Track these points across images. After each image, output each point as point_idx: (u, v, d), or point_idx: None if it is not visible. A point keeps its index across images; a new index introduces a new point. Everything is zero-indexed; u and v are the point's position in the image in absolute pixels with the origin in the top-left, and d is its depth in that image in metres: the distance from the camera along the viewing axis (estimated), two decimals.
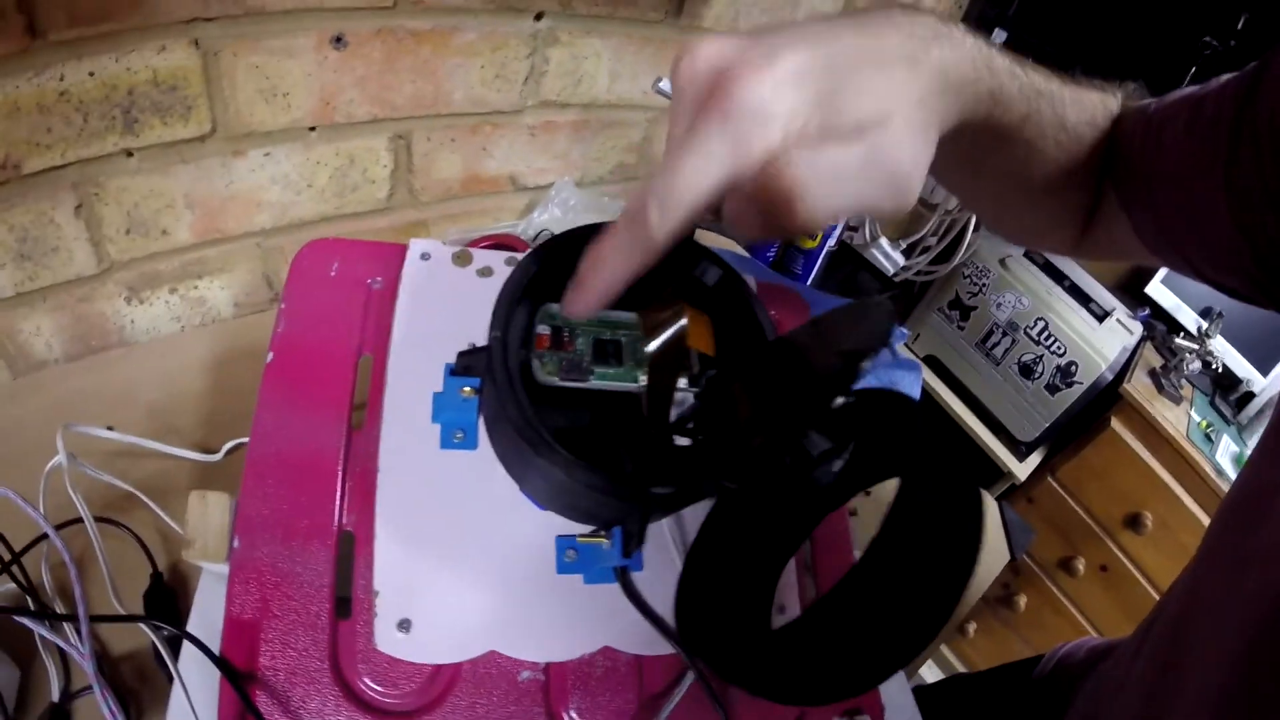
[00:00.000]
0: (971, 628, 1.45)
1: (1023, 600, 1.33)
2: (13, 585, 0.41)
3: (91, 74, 0.47)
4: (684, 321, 0.31)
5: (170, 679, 0.35)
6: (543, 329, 0.35)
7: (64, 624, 0.40)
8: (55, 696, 0.39)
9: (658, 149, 0.91)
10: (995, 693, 0.57)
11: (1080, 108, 0.37)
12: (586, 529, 0.37)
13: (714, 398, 0.32)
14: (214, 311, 0.66)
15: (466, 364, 0.36)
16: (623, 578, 0.36)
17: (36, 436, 0.44)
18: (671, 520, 0.39)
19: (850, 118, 0.23)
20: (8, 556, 0.40)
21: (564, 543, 0.37)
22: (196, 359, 0.60)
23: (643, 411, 0.33)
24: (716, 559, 0.25)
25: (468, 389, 0.37)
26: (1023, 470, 1.23)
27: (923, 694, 0.50)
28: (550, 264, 0.34)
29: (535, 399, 0.34)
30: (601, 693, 0.37)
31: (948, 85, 0.27)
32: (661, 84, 0.73)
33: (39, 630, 0.33)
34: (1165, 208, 0.38)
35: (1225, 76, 0.36)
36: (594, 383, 0.34)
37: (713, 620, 0.25)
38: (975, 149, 0.34)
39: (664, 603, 0.39)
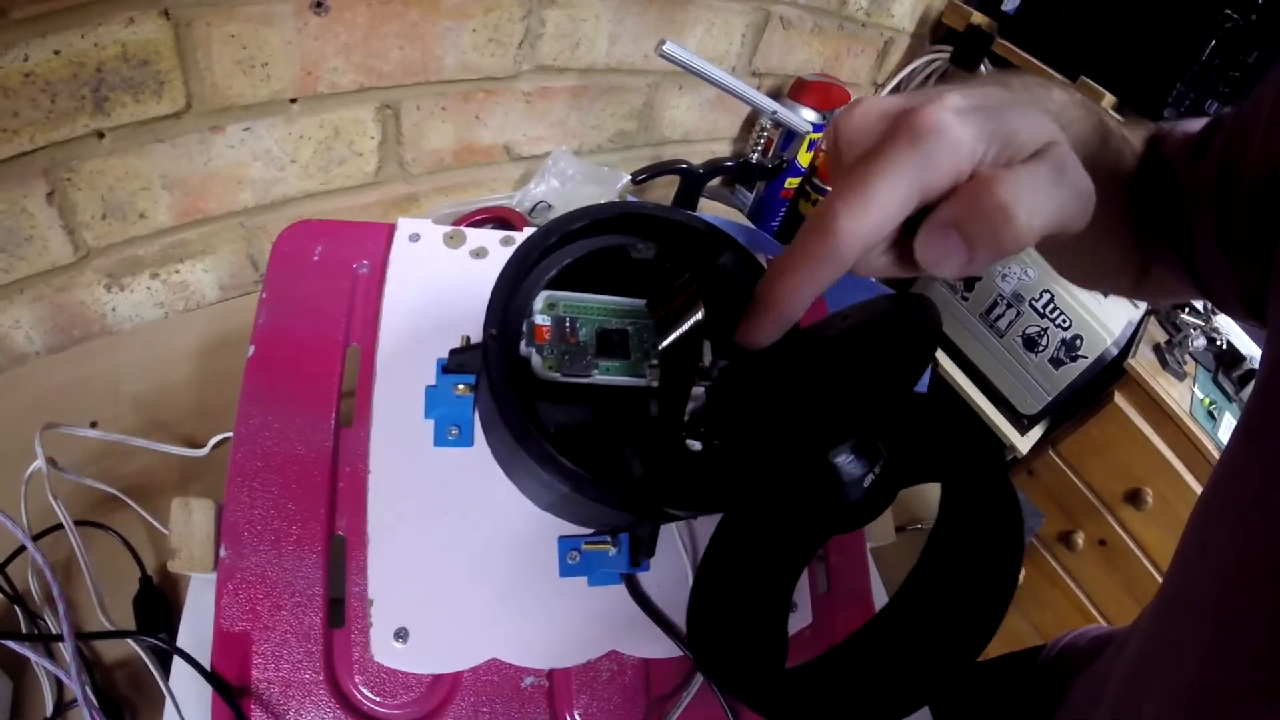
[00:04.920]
0: None
1: (1020, 574, 1.34)
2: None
3: (57, 52, 0.44)
4: (700, 312, 0.29)
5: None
6: (543, 320, 0.32)
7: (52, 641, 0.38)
8: (49, 710, 0.38)
9: (660, 115, 0.87)
10: (999, 682, 0.56)
11: (1138, 138, 0.41)
12: (589, 531, 0.35)
13: (729, 395, 0.30)
14: (198, 296, 0.63)
15: (460, 362, 0.34)
16: (630, 582, 0.35)
17: (18, 436, 0.41)
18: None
19: (1023, 146, 0.24)
20: None
21: (567, 544, 0.35)
22: (182, 346, 0.58)
23: (650, 410, 0.31)
24: (729, 572, 0.24)
25: (462, 386, 0.35)
26: (1024, 444, 1.22)
27: None
28: (551, 249, 0.32)
29: (533, 394, 0.32)
30: (608, 696, 0.35)
31: (1069, 120, 0.34)
32: (666, 47, 0.68)
33: (24, 652, 0.31)
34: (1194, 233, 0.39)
35: (1225, 111, 0.39)
36: (598, 378, 0.31)
37: (727, 639, 0.23)
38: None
39: (671, 603, 0.38)
